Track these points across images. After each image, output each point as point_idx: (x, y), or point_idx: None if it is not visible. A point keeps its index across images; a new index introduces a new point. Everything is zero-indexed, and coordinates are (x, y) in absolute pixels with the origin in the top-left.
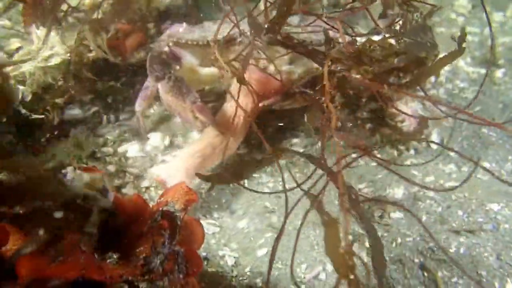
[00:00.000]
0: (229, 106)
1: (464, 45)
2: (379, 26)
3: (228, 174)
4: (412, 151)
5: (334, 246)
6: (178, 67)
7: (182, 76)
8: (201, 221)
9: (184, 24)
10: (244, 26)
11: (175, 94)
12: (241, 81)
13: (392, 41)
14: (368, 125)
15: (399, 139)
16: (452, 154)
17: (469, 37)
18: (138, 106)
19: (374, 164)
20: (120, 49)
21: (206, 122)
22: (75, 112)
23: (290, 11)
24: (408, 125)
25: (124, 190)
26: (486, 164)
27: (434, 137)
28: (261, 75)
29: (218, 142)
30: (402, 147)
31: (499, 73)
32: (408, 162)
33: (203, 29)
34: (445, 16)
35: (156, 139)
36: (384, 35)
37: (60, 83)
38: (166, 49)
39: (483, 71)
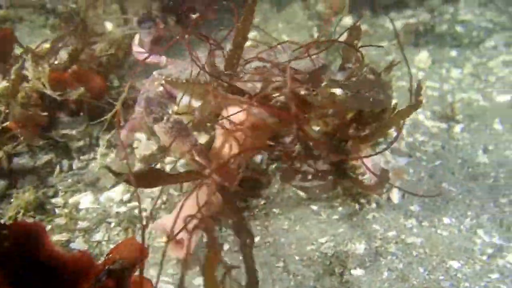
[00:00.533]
0: (218, 146)
1: (422, 98)
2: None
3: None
4: (373, 205)
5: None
6: (175, 107)
7: (181, 118)
8: (153, 280)
9: (163, 58)
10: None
11: (174, 136)
12: (197, 127)
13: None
14: (330, 177)
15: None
16: (413, 208)
17: (429, 92)
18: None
19: (336, 217)
20: (62, 83)
21: (204, 165)
22: (24, 161)
23: (242, 50)
24: (369, 178)
25: (73, 245)
26: (446, 220)
27: (395, 190)
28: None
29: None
30: (363, 201)
31: (457, 128)
32: (369, 216)
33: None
34: (406, 70)
35: (116, 190)
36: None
37: (5, 124)
38: (161, 89)
39: (443, 125)
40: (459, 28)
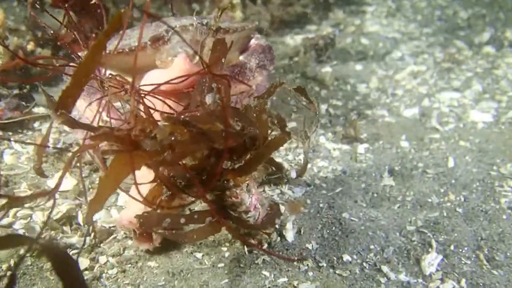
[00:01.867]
0: None
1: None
2: None
3: None
4: (265, 246)
5: None
6: None
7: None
8: None
9: None
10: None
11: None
12: None
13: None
14: (208, 219)
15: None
16: (310, 247)
17: (331, 111)
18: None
19: (221, 265)
20: None
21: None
22: None
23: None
24: (254, 215)
25: None
26: (347, 257)
27: (289, 227)
28: None
29: None
30: (253, 242)
31: (361, 149)
32: (259, 261)
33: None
34: (310, 87)
35: None
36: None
37: None
38: None
39: (345, 147)
40: (364, 41)
